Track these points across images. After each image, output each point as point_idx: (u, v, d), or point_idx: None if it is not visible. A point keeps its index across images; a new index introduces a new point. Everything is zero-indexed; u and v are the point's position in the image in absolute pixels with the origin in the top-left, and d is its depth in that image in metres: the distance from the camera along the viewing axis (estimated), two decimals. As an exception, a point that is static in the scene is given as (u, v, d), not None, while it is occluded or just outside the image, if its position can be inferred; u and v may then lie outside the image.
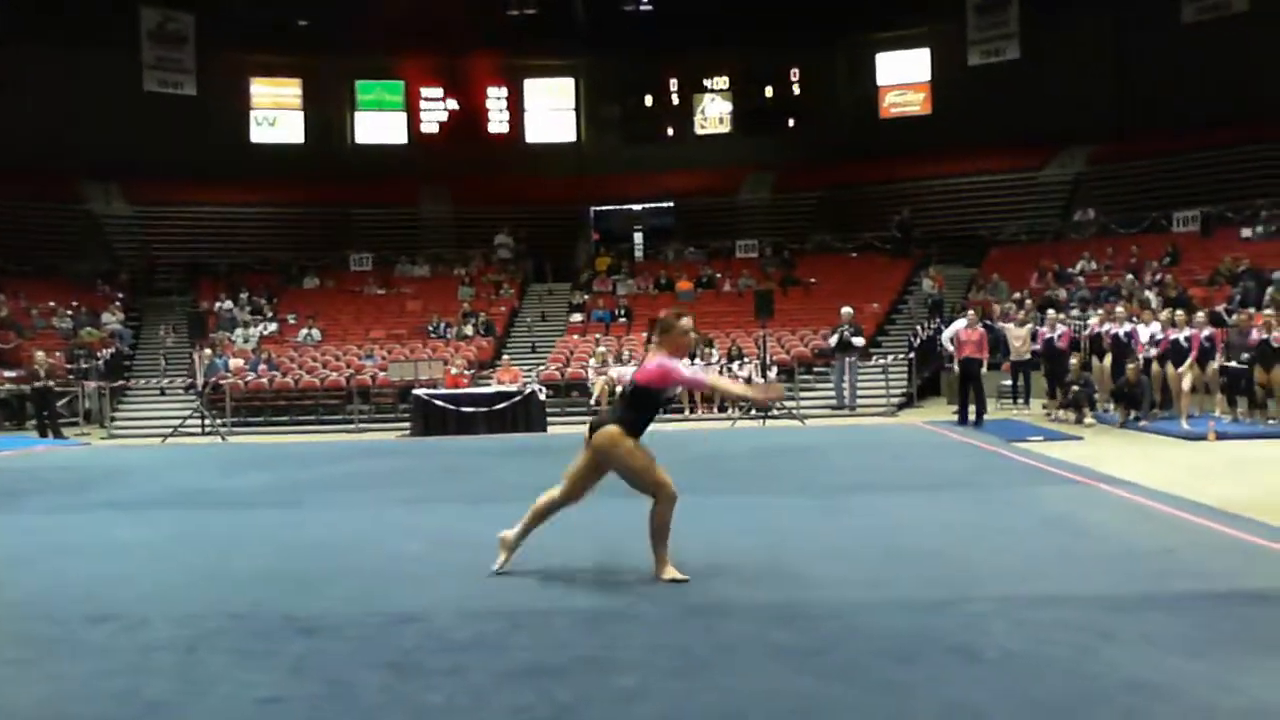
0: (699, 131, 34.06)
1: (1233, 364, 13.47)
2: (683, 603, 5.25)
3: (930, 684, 4.01)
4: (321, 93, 32.71)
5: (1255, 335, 13.14)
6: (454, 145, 32.79)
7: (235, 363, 20.66)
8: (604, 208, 32.59)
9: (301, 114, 32.81)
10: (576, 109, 34.29)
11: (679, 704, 3.88)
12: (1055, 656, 4.27)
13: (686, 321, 6.05)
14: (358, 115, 33.43)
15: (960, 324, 15.59)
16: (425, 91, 33.63)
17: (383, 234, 30.15)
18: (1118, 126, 27.75)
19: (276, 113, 32.69)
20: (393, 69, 33.13)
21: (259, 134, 32.44)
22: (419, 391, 16.71)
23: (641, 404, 5.93)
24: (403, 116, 33.59)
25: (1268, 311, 14.21)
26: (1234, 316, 14.48)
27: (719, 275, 26.50)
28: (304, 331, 23.26)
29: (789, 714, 3.75)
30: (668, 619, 4.98)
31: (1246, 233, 22.20)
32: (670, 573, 5.67)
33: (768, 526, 7.47)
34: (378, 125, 33.43)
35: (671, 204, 32.07)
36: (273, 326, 24.00)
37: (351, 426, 18.26)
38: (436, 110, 33.75)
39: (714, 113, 34.19)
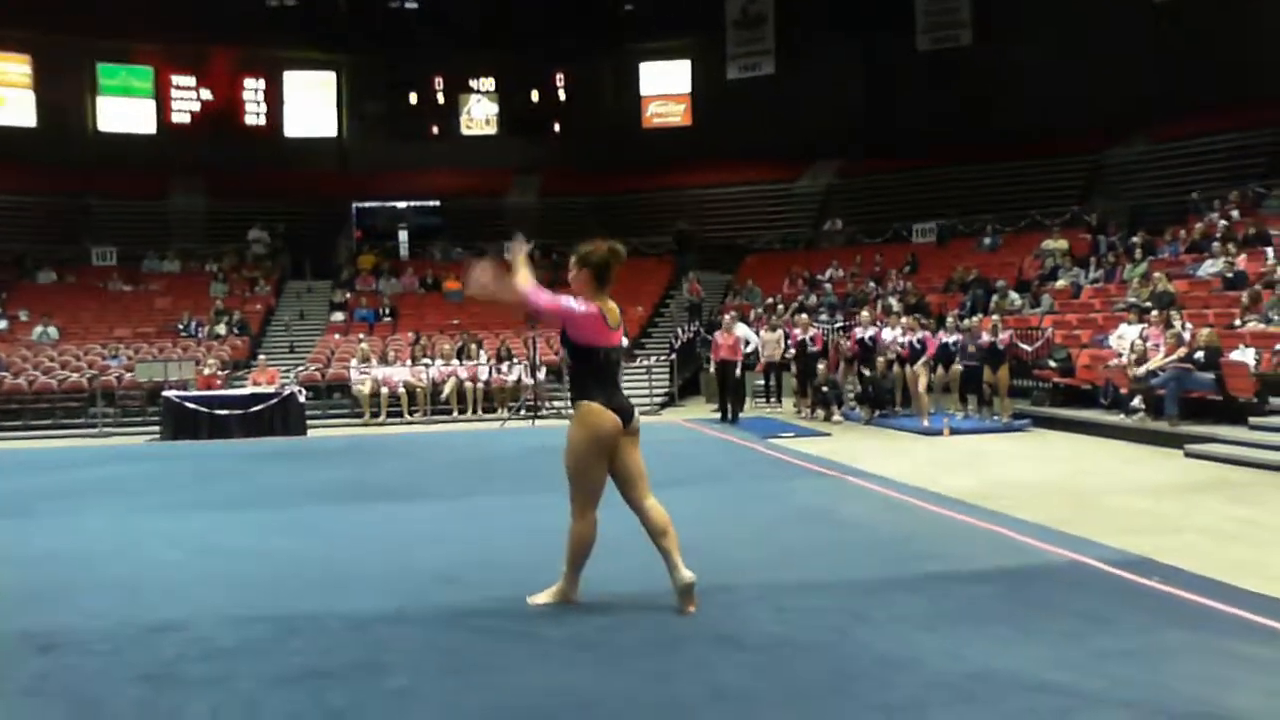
0: (465, 132, 33.81)
1: (971, 363, 14.57)
2: (453, 604, 5.25)
3: (697, 670, 4.20)
4: (56, 73, 30.30)
5: (985, 338, 14.31)
6: (207, 136, 31.17)
7: (-44, 363, 18.92)
8: (367, 204, 31.83)
9: (33, 94, 30.29)
10: (338, 104, 33.33)
11: (453, 702, 3.91)
12: (814, 639, 4.57)
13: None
14: (100, 100, 31.20)
15: (741, 329, 16.44)
16: (176, 79, 31.81)
17: (129, 227, 28.21)
18: (864, 143, 29.45)
19: (3, 91, 30.05)
20: (140, 54, 31.10)
21: (-19, 113, 29.74)
22: (169, 393, 15.82)
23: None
24: (151, 104, 31.63)
25: (995, 317, 15.50)
26: (965, 321, 15.67)
27: (487, 276, 26.37)
28: (39, 329, 21.52)
29: (560, 706, 3.84)
30: (439, 621, 4.97)
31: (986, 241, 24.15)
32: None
33: (537, 526, 7.52)
34: (123, 112, 31.31)
35: (438, 203, 31.70)
36: (1, 324, 22.10)
37: (95, 431, 17.08)
38: (188, 99, 31.98)
39: (480, 114, 34.02)
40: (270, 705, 3.89)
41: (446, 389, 18.24)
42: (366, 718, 3.77)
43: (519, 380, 18.26)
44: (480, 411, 18.04)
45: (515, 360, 18.91)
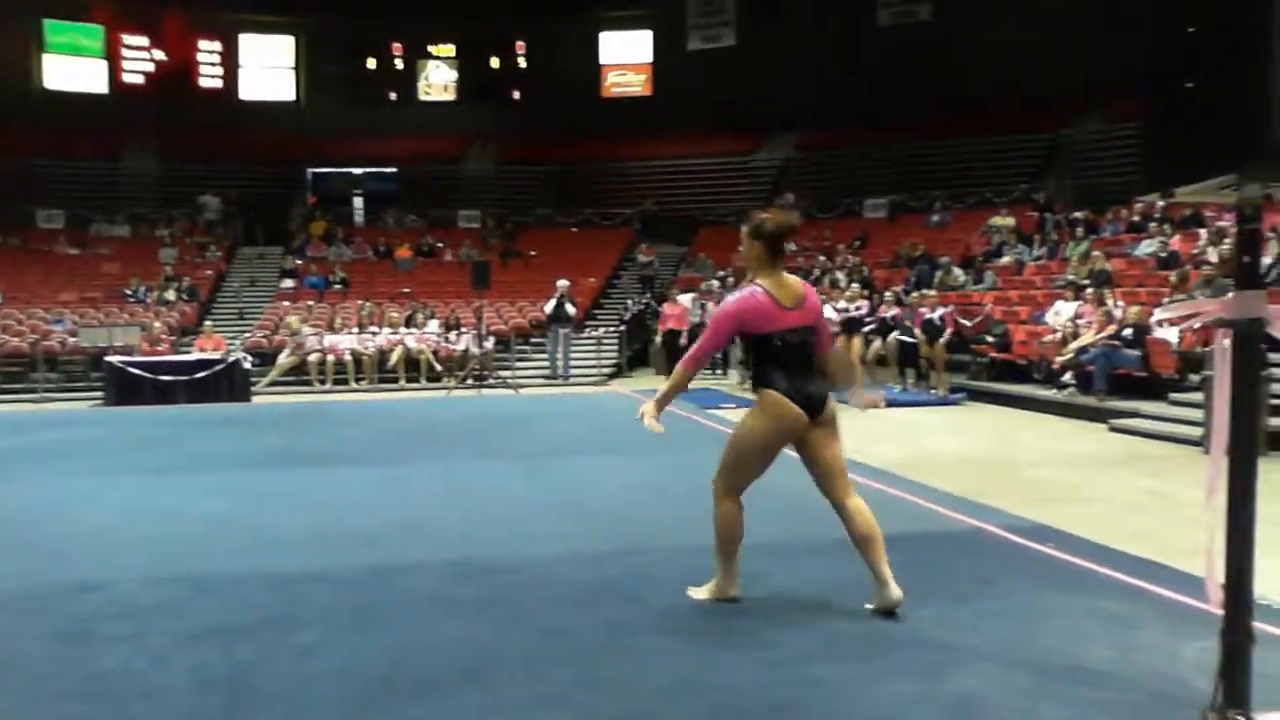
0: (423, 98, 33.61)
1: (906, 338, 14.86)
2: (372, 565, 5.40)
3: (599, 627, 4.40)
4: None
5: (923, 313, 14.56)
6: (161, 98, 30.75)
7: (-105, 326, 18.69)
8: (322, 170, 31.59)
9: (-26, 51, 29.67)
10: (296, 68, 33.01)
11: (357, 655, 4.06)
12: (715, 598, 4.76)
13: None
14: (47, 58, 30.66)
15: (686, 299, 16.68)
16: (128, 39, 31.34)
17: (77, 190, 27.85)
18: (822, 117, 29.56)
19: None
20: (89, 11, 30.61)
21: (-81, 71, 29.07)
22: (112, 359, 15.76)
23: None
24: (103, 64, 31.14)
25: (930, 293, 15.78)
26: (910, 296, 15.92)
27: (440, 244, 26.39)
28: (-20, 293, 21.30)
29: (459, 658, 4.01)
30: (355, 579, 5.13)
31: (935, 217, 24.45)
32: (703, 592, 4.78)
33: (468, 489, 7.72)
34: (73, 71, 30.78)
35: (394, 170, 31.53)
36: (-57, 287, 21.82)
37: (36, 396, 16.98)
38: (141, 60, 31.54)
39: (439, 80, 33.82)
40: (179, 659, 4.03)
41: (394, 357, 18.27)
42: (270, 670, 3.91)
43: (466, 350, 18.32)
44: (427, 380, 18.10)
45: (463, 330, 18.96)
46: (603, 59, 33.46)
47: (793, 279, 4.63)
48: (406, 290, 22.45)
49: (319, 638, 4.26)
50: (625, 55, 33.50)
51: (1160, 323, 10.95)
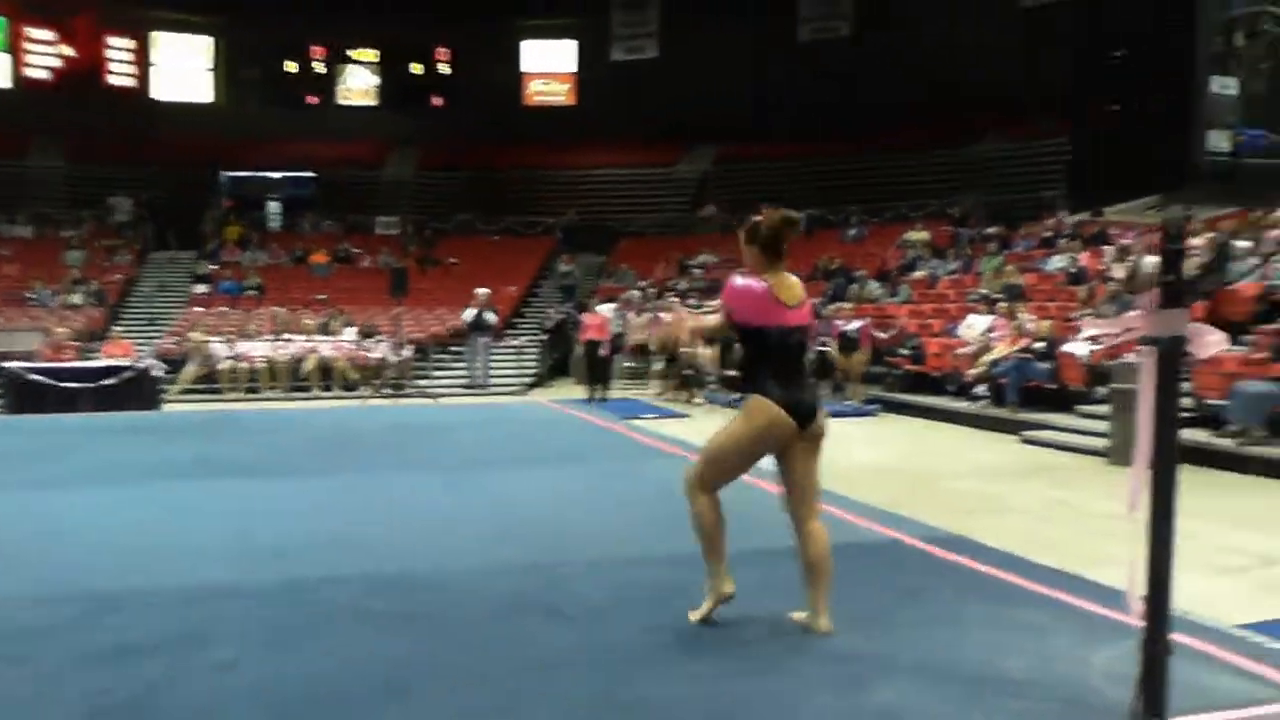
0: (342, 102, 33.16)
1: (823, 349, 15.03)
2: (286, 579, 5.25)
3: (518, 640, 4.33)
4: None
5: (839, 325, 14.74)
6: (69, 96, 29.83)
7: None
8: (238, 174, 30.93)
9: None
10: (214, 69, 32.29)
11: (274, 673, 3.94)
12: (635, 610, 4.73)
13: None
14: (-56, 51, 29.60)
15: (606, 309, 16.69)
16: (32, 32, 30.36)
17: (-26, 189, 26.87)
18: (743, 130, 29.84)
19: None
20: (-11, 4, 29.64)
21: None
22: (11, 365, 15.18)
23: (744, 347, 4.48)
24: (5, 58, 30.12)
25: (847, 305, 16.00)
26: (825, 309, 16.10)
27: (358, 251, 26.01)
28: None
29: (381, 674, 3.91)
30: (267, 593, 4.98)
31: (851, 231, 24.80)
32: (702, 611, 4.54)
33: (386, 501, 7.56)
34: (-28, 65, 29.78)
35: (312, 174, 31.02)
36: None
37: (-72, 403, 16.26)
38: (47, 56, 30.57)
39: (359, 84, 33.40)
40: (72, 685, 3.83)
41: (308, 365, 17.92)
42: (182, 691, 3.76)
43: (383, 358, 18.05)
44: (342, 389, 17.79)
45: (380, 337, 18.67)
46: (525, 67, 33.38)
47: (794, 280, 4.45)
48: (322, 297, 22.06)
49: (233, 655, 4.11)
50: (549, 64, 33.47)
51: (1088, 339, 11.25)
